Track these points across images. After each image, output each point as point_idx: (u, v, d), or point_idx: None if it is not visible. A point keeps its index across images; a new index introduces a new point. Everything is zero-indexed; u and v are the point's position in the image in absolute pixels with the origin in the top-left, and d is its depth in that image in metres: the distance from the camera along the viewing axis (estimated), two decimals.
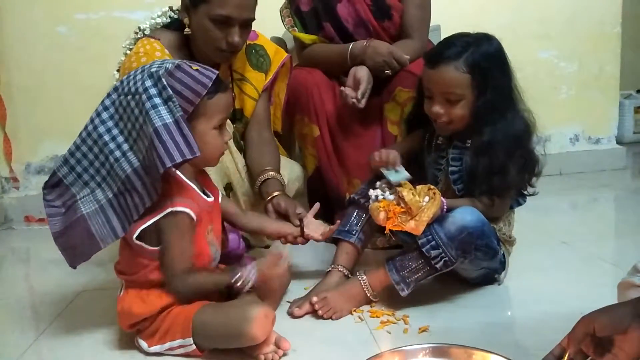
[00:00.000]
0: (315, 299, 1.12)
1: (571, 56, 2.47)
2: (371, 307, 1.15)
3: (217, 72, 0.98)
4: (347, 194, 1.62)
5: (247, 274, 0.99)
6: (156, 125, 0.90)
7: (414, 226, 1.07)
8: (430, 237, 1.09)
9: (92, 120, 0.97)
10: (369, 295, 1.15)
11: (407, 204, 1.07)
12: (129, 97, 0.94)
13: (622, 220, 1.94)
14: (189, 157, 0.91)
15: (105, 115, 0.96)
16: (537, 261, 1.40)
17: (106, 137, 0.95)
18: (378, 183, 1.18)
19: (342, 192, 1.63)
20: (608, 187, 2.32)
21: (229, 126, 1.44)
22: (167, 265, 0.98)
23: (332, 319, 1.11)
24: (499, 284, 1.25)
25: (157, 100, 0.91)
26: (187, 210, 0.97)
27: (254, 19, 1.35)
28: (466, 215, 1.09)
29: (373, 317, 1.11)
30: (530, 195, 1.26)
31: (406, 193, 1.08)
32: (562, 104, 2.50)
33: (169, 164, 0.89)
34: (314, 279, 1.29)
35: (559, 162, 2.44)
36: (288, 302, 1.20)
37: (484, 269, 1.19)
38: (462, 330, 1.05)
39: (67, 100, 2.18)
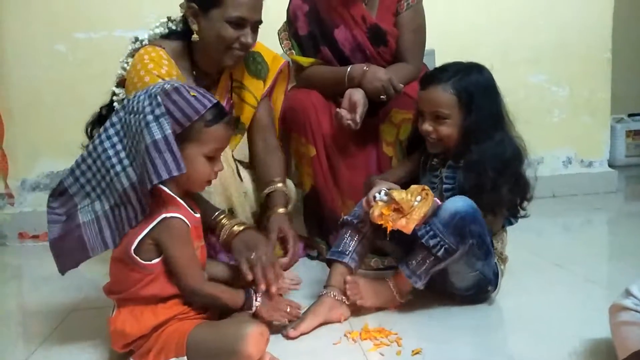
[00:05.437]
0: (349, 278, 1.19)
1: (562, 81, 2.52)
2: (364, 329, 1.15)
3: (216, 101, 1.01)
4: (343, 214, 1.63)
5: (256, 303, 1.07)
6: (147, 142, 0.93)
7: (404, 224, 1.12)
8: (428, 227, 1.14)
9: (99, 135, 1.01)
10: (395, 293, 1.21)
11: (398, 202, 1.12)
12: (132, 115, 0.98)
13: (615, 243, 1.95)
14: (175, 173, 0.94)
15: (111, 131, 1.00)
16: (530, 282, 1.41)
17: (110, 152, 0.99)
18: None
19: (337, 213, 1.64)
20: (601, 210, 2.34)
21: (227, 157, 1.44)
22: (180, 275, 1.00)
23: (357, 304, 1.18)
24: (489, 304, 1.26)
25: (150, 118, 0.95)
26: (181, 216, 0.99)
27: (262, 22, 1.39)
28: (457, 201, 1.15)
29: (366, 338, 1.11)
30: (521, 217, 1.29)
31: (397, 193, 1.14)
32: (555, 127, 2.54)
33: (155, 181, 0.92)
34: (307, 300, 1.29)
35: (551, 184, 2.47)
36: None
37: (479, 273, 1.20)
38: (455, 352, 1.05)
39: (64, 118, 2.19)
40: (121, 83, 1.45)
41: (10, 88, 2.18)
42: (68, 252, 1.03)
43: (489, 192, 1.18)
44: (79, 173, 1.03)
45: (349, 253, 1.25)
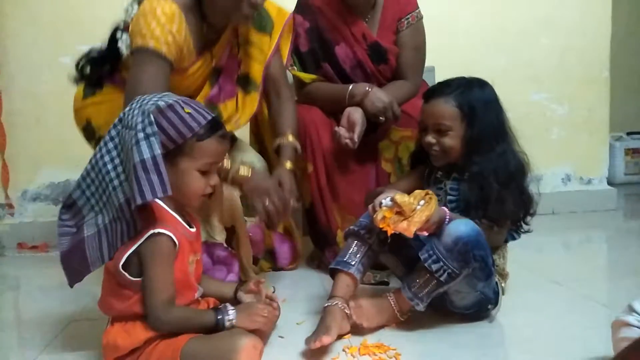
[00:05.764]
0: (352, 304, 1.18)
1: (562, 99, 2.54)
2: (362, 344, 1.14)
3: (212, 116, 1.01)
4: (339, 230, 1.64)
5: (229, 317, 1.02)
6: (135, 161, 0.92)
7: (406, 226, 1.11)
8: (431, 251, 1.14)
9: (100, 149, 1.01)
10: (396, 311, 1.20)
11: (400, 205, 1.11)
12: (126, 130, 0.97)
13: (614, 261, 1.95)
14: (159, 196, 0.93)
15: (110, 145, 1.00)
16: (530, 300, 1.40)
17: (109, 166, 0.98)
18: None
19: (332, 230, 1.65)
20: (600, 227, 2.34)
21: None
22: (148, 295, 0.96)
23: (363, 327, 1.17)
24: (490, 321, 1.26)
25: (141, 135, 0.94)
26: (169, 233, 0.97)
27: None
28: (460, 226, 1.14)
29: (365, 354, 1.10)
30: (525, 232, 1.30)
31: (399, 197, 1.13)
32: (554, 144, 2.55)
33: (139, 202, 0.92)
34: (305, 313, 1.29)
35: (551, 201, 2.47)
36: (280, 337, 1.19)
37: (479, 293, 1.20)
38: None
39: (67, 129, 2.18)
40: (126, 28, 1.41)
41: (14, 99, 2.20)
42: (75, 265, 1.02)
43: (494, 203, 1.19)
44: (84, 186, 1.02)
45: (354, 263, 1.24)
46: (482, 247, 1.14)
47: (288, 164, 1.43)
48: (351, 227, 1.29)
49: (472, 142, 1.22)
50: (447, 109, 1.23)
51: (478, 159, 1.22)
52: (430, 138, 1.26)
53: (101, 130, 1.49)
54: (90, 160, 1.02)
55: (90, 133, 1.54)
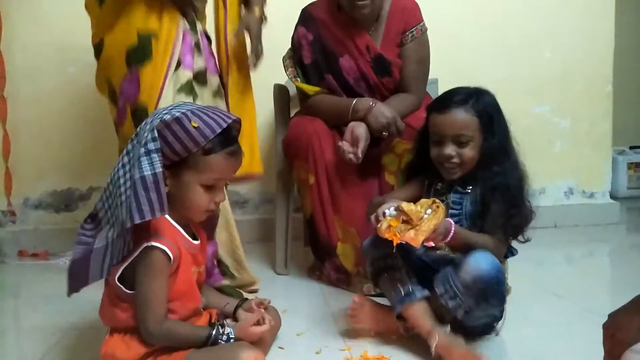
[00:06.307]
0: (356, 299, 1.18)
1: (564, 112, 2.54)
2: (363, 356, 1.13)
3: (222, 128, 0.98)
4: (340, 242, 1.63)
5: (224, 334, 1.00)
6: (135, 177, 0.92)
7: (413, 236, 1.07)
8: (447, 285, 1.11)
9: (118, 162, 0.99)
10: (399, 326, 1.19)
11: (407, 214, 1.08)
12: (137, 144, 0.97)
13: (617, 275, 1.94)
14: (157, 215, 0.92)
15: (125, 159, 0.98)
16: (532, 314, 1.39)
17: (122, 180, 0.96)
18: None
19: (333, 242, 1.64)
20: (603, 241, 2.33)
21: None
22: (140, 308, 0.95)
23: (357, 326, 1.18)
24: (496, 335, 1.25)
25: (142, 151, 0.93)
26: (164, 247, 0.96)
27: None
28: (481, 262, 1.10)
29: None
30: (524, 242, 1.26)
31: (405, 205, 1.09)
32: (556, 157, 2.55)
33: (137, 220, 0.90)
34: (305, 324, 1.28)
35: (553, 214, 2.46)
36: (280, 347, 1.18)
37: (490, 316, 1.19)
38: None
39: (71, 138, 2.22)
40: None
41: (21, 107, 2.21)
42: (77, 275, 1.00)
43: (515, 209, 1.18)
44: (105, 198, 1.00)
45: (412, 289, 1.17)
46: (501, 283, 1.12)
47: (257, 11, 1.52)
48: (374, 262, 1.22)
49: (489, 152, 1.20)
50: (467, 118, 1.19)
51: (497, 168, 1.20)
52: (450, 150, 1.20)
53: (108, 50, 1.51)
54: (111, 173, 1.01)
55: (98, 51, 1.55)
